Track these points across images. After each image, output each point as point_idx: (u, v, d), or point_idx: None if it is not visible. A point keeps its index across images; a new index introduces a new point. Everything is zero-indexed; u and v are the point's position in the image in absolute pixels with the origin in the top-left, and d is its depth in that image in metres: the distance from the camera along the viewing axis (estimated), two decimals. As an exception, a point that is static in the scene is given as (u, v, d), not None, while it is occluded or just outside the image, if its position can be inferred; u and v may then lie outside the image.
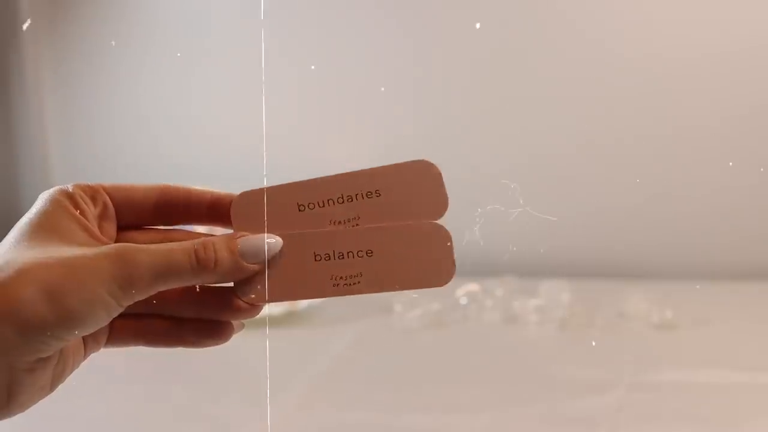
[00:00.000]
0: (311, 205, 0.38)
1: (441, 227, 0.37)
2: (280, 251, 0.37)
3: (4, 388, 0.33)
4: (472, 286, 1.11)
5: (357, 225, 0.38)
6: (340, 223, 0.38)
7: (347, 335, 1.02)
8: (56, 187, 0.37)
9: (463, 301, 1.11)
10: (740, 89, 1.23)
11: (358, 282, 0.37)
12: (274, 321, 1.06)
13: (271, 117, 1.50)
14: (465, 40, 1.30)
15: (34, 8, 1.44)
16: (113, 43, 1.42)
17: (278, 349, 1.00)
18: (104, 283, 0.33)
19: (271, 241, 0.37)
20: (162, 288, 0.35)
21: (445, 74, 1.32)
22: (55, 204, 0.36)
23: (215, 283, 0.37)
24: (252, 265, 0.37)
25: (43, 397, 0.36)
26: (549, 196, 1.30)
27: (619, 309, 1.07)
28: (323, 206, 0.38)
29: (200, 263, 0.35)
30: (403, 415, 0.78)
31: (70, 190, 0.37)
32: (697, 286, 1.06)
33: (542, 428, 0.76)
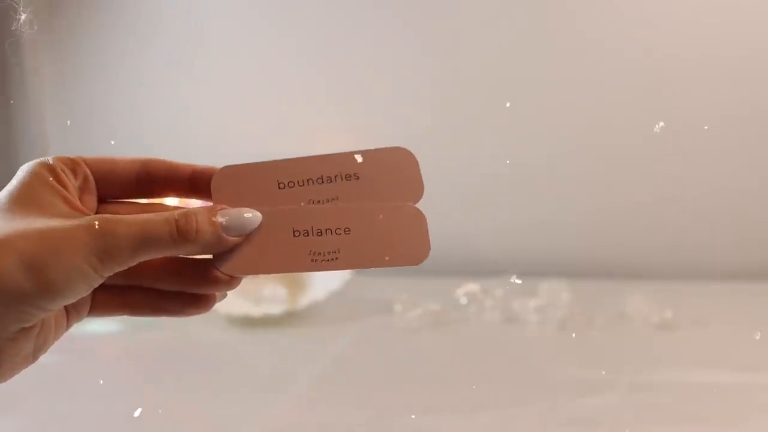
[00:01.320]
0: (291, 184, 0.39)
1: (417, 209, 0.39)
2: (259, 225, 0.38)
3: None
4: (472, 286, 1.11)
5: (337, 259, 0.38)
6: (318, 202, 0.39)
7: (347, 335, 1.02)
8: (37, 160, 0.37)
9: (463, 301, 1.11)
10: (740, 89, 1.23)
11: (336, 258, 0.38)
12: (274, 321, 1.06)
13: (273, 115, 1.50)
14: (465, 37, 1.30)
15: (34, 7, 1.44)
16: (113, 41, 1.42)
17: (278, 349, 1.00)
18: (83, 254, 0.33)
19: (250, 215, 0.38)
20: (142, 258, 0.35)
21: (445, 73, 1.32)
22: (35, 176, 0.36)
23: (195, 254, 0.37)
24: (232, 238, 0.37)
25: (26, 367, 0.36)
26: (549, 196, 1.31)
27: (619, 309, 1.07)
28: (303, 185, 0.39)
29: (181, 233, 0.35)
30: (403, 416, 0.78)
31: (51, 162, 0.37)
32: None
33: (542, 428, 0.76)
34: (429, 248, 0.38)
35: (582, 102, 1.27)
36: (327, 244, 0.38)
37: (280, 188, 0.39)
